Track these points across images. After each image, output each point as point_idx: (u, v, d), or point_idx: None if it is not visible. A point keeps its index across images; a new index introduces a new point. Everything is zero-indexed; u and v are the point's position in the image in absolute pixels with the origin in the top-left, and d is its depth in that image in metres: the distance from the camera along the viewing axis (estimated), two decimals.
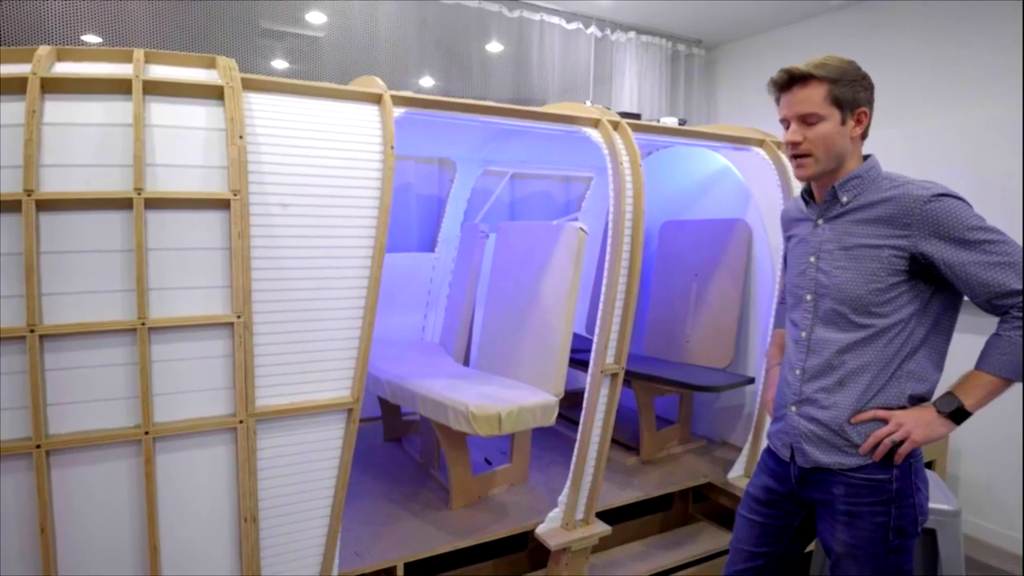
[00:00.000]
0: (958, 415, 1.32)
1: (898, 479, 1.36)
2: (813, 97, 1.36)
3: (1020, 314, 1.26)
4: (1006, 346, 1.29)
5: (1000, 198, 2.81)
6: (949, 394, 1.34)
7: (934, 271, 1.33)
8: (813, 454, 1.43)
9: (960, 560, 1.89)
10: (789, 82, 1.39)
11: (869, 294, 1.35)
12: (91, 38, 2.70)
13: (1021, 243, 1.30)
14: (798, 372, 1.46)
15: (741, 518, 1.62)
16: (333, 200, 1.60)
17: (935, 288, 1.36)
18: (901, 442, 1.33)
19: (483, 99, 1.96)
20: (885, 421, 1.35)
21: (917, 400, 1.38)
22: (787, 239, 1.60)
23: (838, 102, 1.37)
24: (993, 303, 1.29)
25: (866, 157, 1.44)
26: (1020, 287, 1.25)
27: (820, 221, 1.45)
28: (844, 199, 1.41)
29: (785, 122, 1.42)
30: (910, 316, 1.35)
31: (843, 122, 1.38)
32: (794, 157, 1.42)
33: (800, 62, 1.40)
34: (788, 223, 1.60)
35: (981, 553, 2.95)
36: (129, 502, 1.43)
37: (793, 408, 1.47)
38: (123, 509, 1.42)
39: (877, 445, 1.35)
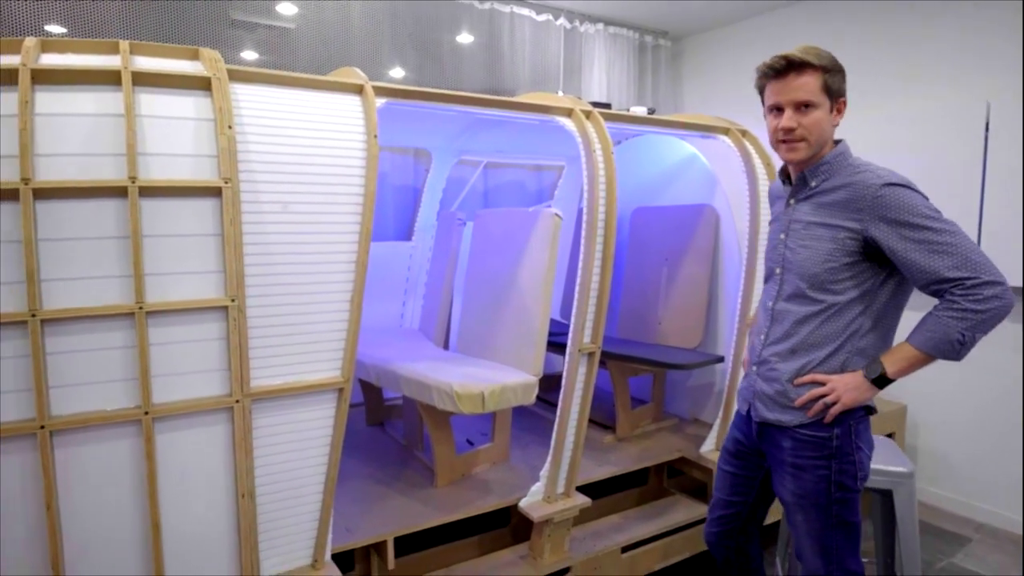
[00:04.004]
0: (880, 381, 1.46)
1: (839, 437, 1.51)
2: (809, 85, 1.44)
3: (952, 299, 1.36)
4: (933, 324, 1.40)
5: (953, 188, 2.97)
6: (876, 361, 1.47)
7: (883, 254, 1.43)
8: (760, 410, 1.59)
9: (914, 518, 2.03)
10: (787, 68, 1.45)
11: (824, 272, 1.47)
12: (55, 28, 2.69)
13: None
14: (762, 337, 1.61)
15: (719, 470, 1.80)
16: (320, 188, 1.66)
17: (888, 272, 1.47)
18: (833, 403, 1.47)
19: (455, 90, 2.03)
20: (822, 383, 1.49)
21: None
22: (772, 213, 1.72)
23: (829, 91, 1.46)
24: (931, 287, 1.40)
25: (837, 142, 1.53)
26: (953, 275, 1.35)
27: (792, 201, 1.58)
28: (813, 183, 1.52)
29: (777, 108, 1.49)
30: (863, 295, 1.47)
31: (831, 110, 1.47)
32: (785, 142, 1.49)
33: (775, 51, 1.47)
34: (772, 199, 1.73)
35: (937, 518, 3.14)
36: (131, 480, 1.48)
37: (755, 368, 1.63)
38: (125, 487, 1.47)
39: (813, 403, 1.49)
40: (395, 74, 3.46)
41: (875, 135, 3.24)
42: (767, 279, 1.65)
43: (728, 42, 4.15)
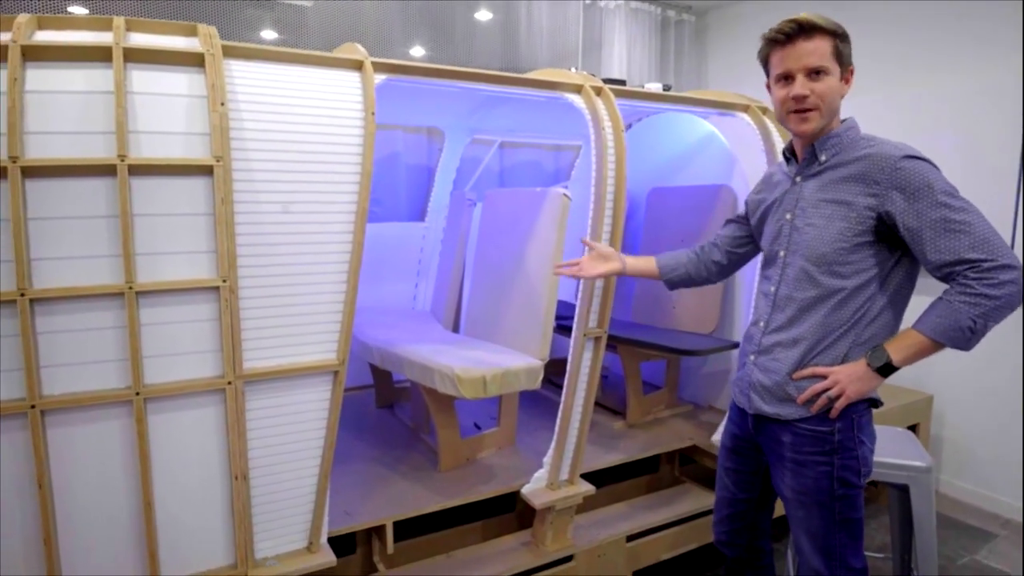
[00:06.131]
0: (885, 369, 1.37)
1: (840, 432, 1.42)
2: (821, 49, 1.36)
3: (966, 282, 1.28)
4: (943, 310, 1.31)
5: (990, 166, 2.83)
6: (880, 348, 1.38)
7: (896, 233, 1.35)
8: (757, 402, 1.51)
9: (931, 513, 1.95)
10: (798, 33, 1.37)
11: (833, 252, 1.39)
12: (77, 9, 2.70)
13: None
14: (762, 325, 1.53)
15: (720, 468, 1.73)
16: (316, 166, 1.62)
17: (898, 257, 1.39)
18: (838, 397, 1.39)
19: (470, 68, 1.99)
20: (824, 377, 1.41)
21: None
22: (758, 200, 1.63)
23: (840, 57, 1.39)
24: (943, 270, 1.31)
25: (844, 120, 1.46)
26: (971, 256, 1.27)
27: (798, 179, 1.49)
28: (823, 157, 1.44)
29: (786, 76, 1.40)
30: (870, 281, 1.38)
31: (840, 78, 1.40)
32: (796, 112, 1.40)
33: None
34: (765, 185, 1.63)
35: (962, 512, 3.04)
36: (123, 460, 1.48)
37: (752, 358, 1.55)
38: (117, 467, 1.47)
39: (816, 398, 1.41)
40: (415, 53, 3.41)
41: (910, 113, 3.10)
42: (767, 264, 1.56)
43: (755, 15, 3.98)
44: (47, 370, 1.40)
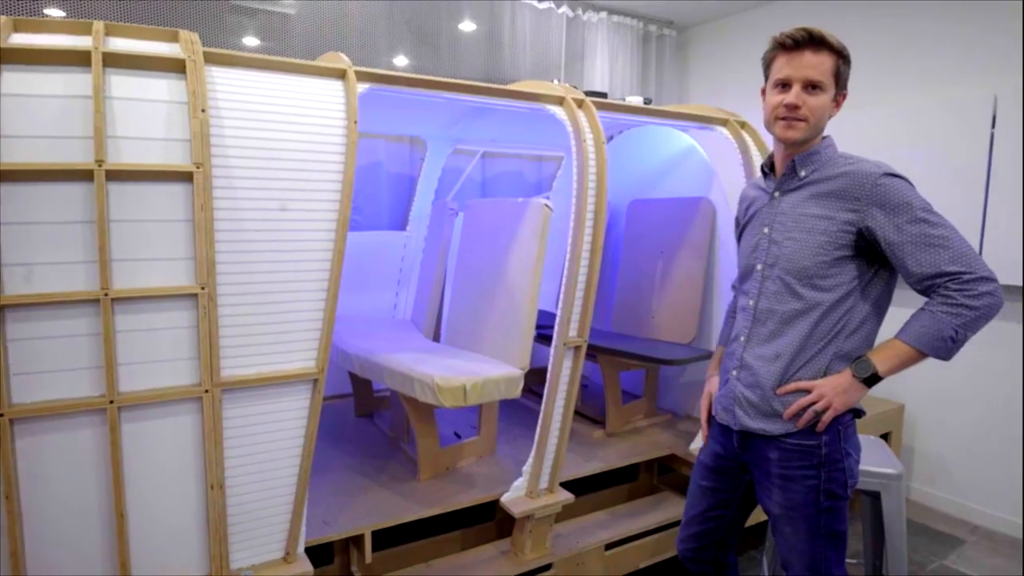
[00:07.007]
0: (871, 380, 1.39)
1: (827, 444, 1.43)
2: (824, 66, 1.38)
3: (947, 293, 1.31)
4: (927, 320, 1.34)
5: (957, 183, 2.90)
6: (865, 359, 1.40)
7: (876, 248, 1.38)
8: (743, 418, 1.51)
9: (902, 520, 1.99)
10: (807, 42, 1.38)
11: (815, 265, 1.41)
12: (54, 11, 2.67)
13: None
14: (742, 339, 1.53)
15: (694, 485, 1.71)
16: (297, 174, 1.62)
17: (876, 270, 1.42)
18: (824, 410, 1.41)
19: (453, 79, 2.00)
20: (808, 391, 1.42)
21: None
22: (745, 224, 1.63)
23: (838, 78, 1.41)
24: (924, 283, 1.35)
25: (824, 137, 1.49)
26: (950, 269, 1.31)
27: (777, 193, 1.51)
28: (802, 173, 1.46)
29: (785, 83, 1.41)
30: (850, 293, 1.41)
31: (833, 98, 1.42)
32: (784, 119, 1.42)
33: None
34: (746, 201, 1.64)
35: (932, 519, 3.10)
36: (95, 470, 1.45)
37: (735, 373, 1.54)
38: (89, 477, 1.45)
39: (802, 413, 1.42)
40: (398, 62, 3.42)
41: (880, 129, 3.17)
42: (744, 278, 1.57)
43: (735, 32, 4.06)
44: (18, 378, 1.37)
